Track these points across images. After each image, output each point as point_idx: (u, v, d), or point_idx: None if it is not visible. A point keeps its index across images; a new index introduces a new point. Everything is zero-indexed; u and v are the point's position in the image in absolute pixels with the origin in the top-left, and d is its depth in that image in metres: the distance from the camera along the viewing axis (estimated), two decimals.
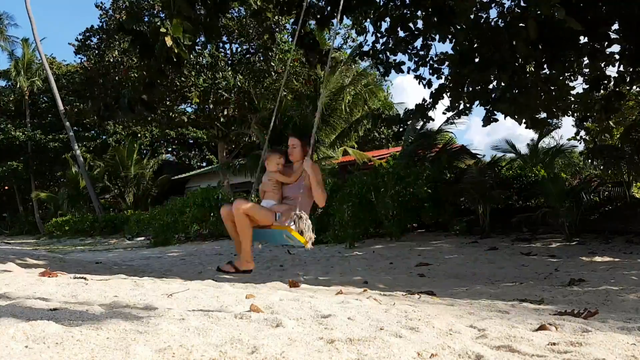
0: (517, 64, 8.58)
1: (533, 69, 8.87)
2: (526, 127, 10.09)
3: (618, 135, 13.64)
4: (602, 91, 9.30)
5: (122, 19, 19.34)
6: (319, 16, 9.19)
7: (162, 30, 5.24)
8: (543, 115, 9.82)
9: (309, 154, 3.67)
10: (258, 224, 3.52)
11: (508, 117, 9.74)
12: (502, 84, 9.07)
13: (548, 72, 8.95)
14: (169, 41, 5.24)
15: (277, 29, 19.92)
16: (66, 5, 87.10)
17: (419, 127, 14.80)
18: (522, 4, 8.53)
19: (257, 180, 4.11)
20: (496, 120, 9.89)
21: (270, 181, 3.80)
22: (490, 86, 9.58)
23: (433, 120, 11.31)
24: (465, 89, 9.75)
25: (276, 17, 16.93)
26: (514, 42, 7.48)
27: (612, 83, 8.95)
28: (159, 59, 5.79)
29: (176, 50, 5.38)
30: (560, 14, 5.66)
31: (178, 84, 20.28)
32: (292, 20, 21.38)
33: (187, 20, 5.62)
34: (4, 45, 33.16)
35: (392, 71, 10.26)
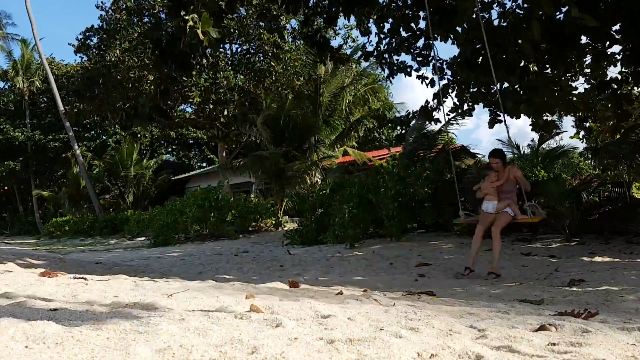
0: (522, 65, 8.56)
1: (537, 69, 8.86)
2: (535, 130, 10.07)
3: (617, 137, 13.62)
4: (607, 92, 9.27)
5: (145, 30, 19.43)
6: (325, 15, 9.18)
7: (190, 24, 5.19)
8: (548, 116, 9.82)
9: (512, 163, 5.59)
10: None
11: (512, 117, 9.72)
12: (510, 85, 9.04)
13: (550, 73, 8.94)
14: (200, 35, 5.21)
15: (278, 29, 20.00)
16: (66, 5, 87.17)
17: (423, 128, 14.75)
18: (524, 5, 8.53)
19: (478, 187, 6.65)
20: (500, 121, 9.88)
21: (491, 188, 6.36)
22: (496, 87, 9.56)
23: (441, 122, 11.31)
24: (469, 90, 9.75)
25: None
26: (519, 43, 7.48)
27: (615, 85, 8.94)
28: (180, 58, 5.79)
29: (206, 44, 5.38)
30: (574, 11, 5.66)
31: (181, 83, 20.37)
32: (292, 20, 21.42)
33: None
34: (3, 46, 33.15)
35: (397, 72, 10.30)
